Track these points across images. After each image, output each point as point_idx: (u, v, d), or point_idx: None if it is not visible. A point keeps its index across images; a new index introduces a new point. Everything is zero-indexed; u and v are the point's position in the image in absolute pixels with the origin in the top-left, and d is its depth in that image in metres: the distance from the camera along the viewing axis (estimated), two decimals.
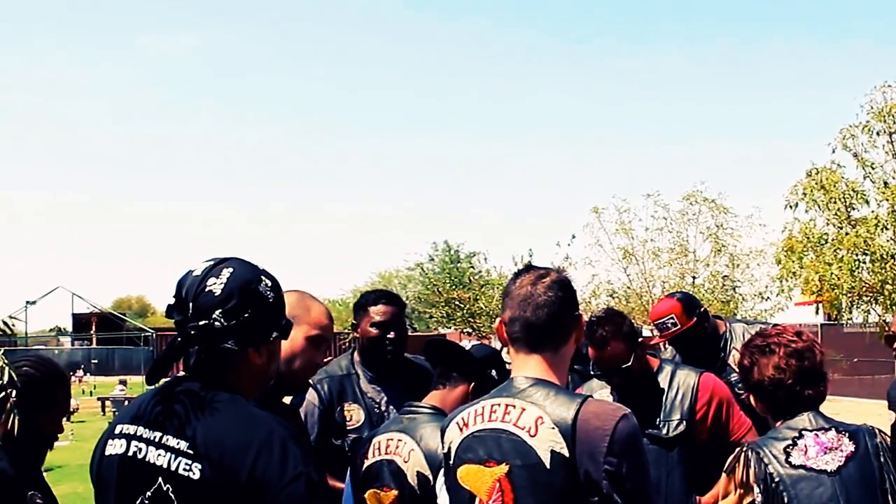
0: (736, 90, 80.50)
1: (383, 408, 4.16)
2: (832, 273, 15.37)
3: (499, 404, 2.61)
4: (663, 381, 4.24)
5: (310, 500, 2.07)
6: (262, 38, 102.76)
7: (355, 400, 4.16)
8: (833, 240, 15.95)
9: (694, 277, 24.80)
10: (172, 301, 2.26)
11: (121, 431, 2.22)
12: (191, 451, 2.07)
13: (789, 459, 2.94)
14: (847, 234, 15.63)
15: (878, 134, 16.28)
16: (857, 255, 15.36)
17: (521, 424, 2.53)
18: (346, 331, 41.18)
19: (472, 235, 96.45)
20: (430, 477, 2.96)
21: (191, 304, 2.22)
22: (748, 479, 2.99)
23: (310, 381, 3.99)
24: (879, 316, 16.90)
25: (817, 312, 20.61)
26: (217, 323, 2.19)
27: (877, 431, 3.05)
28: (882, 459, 2.94)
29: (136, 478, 2.14)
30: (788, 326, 3.31)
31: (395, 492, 3.05)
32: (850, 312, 17.21)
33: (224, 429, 2.09)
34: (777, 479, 2.92)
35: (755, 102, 79.92)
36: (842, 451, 2.94)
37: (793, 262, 16.27)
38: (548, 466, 2.46)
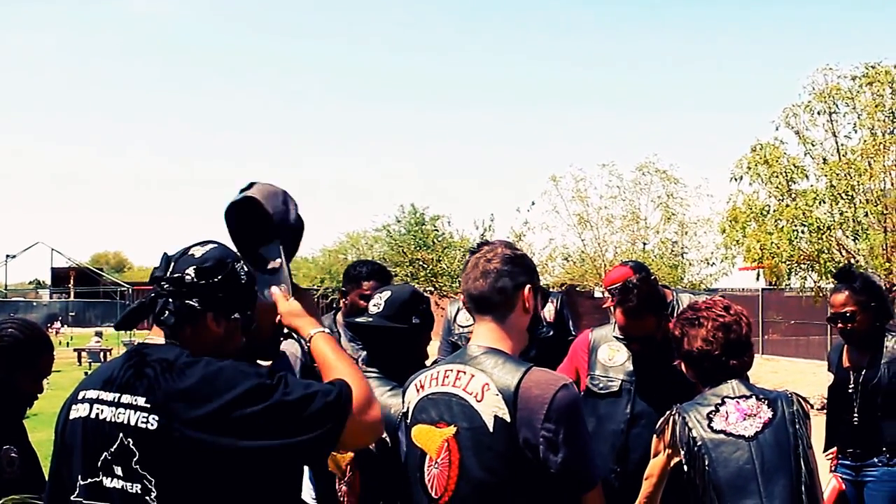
0: (688, 67, 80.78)
1: (360, 365, 4.26)
2: (773, 242, 15.58)
3: (451, 370, 2.70)
4: None
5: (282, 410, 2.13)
6: (242, 10, 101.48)
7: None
8: (774, 211, 16.14)
9: (644, 243, 25.10)
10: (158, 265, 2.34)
11: (84, 397, 2.26)
12: (147, 405, 2.12)
13: (711, 424, 3.04)
14: (787, 206, 15.82)
15: (818, 113, 16.52)
16: (796, 225, 15.55)
17: (469, 390, 2.61)
18: (315, 286, 41.24)
19: (436, 200, 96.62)
20: (388, 439, 3.01)
21: (172, 264, 2.30)
22: (675, 441, 3.10)
23: (293, 334, 4.05)
24: (815, 282, 17.15)
25: (758, 278, 20.83)
26: (188, 277, 2.26)
27: (795, 399, 3.13)
28: (797, 426, 3.04)
29: (99, 437, 2.18)
30: (719, 300, 3.38)
31: (350, 454, 3.07)
32: (789, 278, 17.48)
33: (183, 381, 2.13)
34: (699, 443, 3.02)
35: (706, 79, 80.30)
36: (760, 417, 3.03)
37: (736, 231, 16.47)
38: (491, 430, 2.54)
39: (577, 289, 25.44)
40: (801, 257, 16.02)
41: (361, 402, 2.23)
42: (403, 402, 2.84)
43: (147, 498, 2.13)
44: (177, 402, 2.11)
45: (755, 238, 15.98)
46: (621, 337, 4.32)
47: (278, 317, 2.68)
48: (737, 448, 2.99)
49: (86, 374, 2.40)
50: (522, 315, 2.74)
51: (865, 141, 16.15)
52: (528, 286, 2.74)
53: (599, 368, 4.34)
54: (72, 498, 2.23)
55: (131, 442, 2.13)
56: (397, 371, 3.13)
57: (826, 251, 15.62)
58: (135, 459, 2.13)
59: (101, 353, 24.96)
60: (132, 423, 2.13)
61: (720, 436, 3.02)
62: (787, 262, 16.19)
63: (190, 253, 2.32)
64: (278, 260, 2.73)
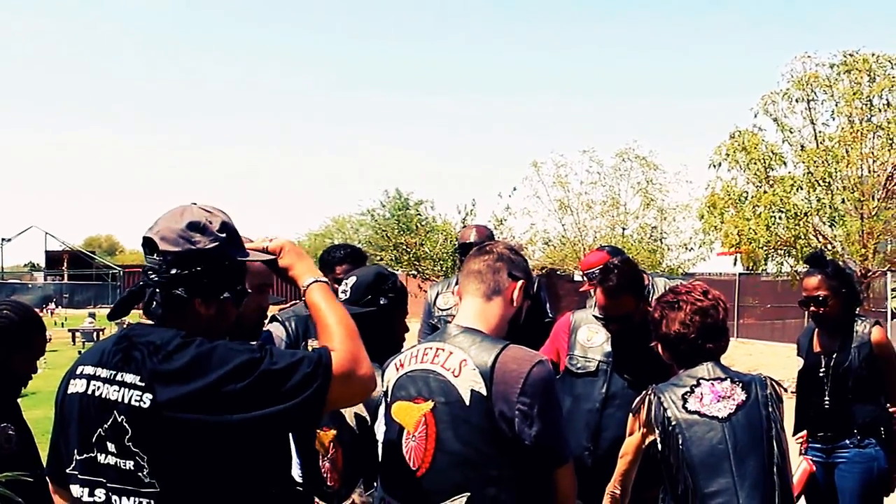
0: (669, 54, 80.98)
1: None
2: (750, 228, 15.72)
3: (431, 348, 2.75)
4: None
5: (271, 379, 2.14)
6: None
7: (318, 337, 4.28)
8: (752, 197, 16.28)
9: (624, 228, 25.38)
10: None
11: (82, 372, 2.27)
12: (141, 384, 2.12)
13: (686, 405, 3.08)
14: (765, 192, 15.95)
15: (796, 101, 16.66)
16: (773, 212, 15.68)
17: (447, 366, 2.67)
18: None
19: (421, 185, 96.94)
20: (368, 417, 3.04)
21: (155, 251, 2.27)
22: (650, 421, 3.14)
23: (277, 317, 4.05)
24: (791, 267, 17.30)
25: (735, 263, 20.99)
26: (173, 270, 2.24)
27: (768, 383, 3.17)
28: (770, 409, 3.08)
29: (94, 413, 2.19)
30: (698, 284, 3.42)
31: (333, 431, 3.09)
32: (766, 263, 17.62)
33: (175, 362, 2.14)
34: (674, 423, 3.06)
35: (687, 66, 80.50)
36: (734, 399, 3.07)
37: (714, 216, 16.64)
38: (467, 403, 2.59)
39: (558, 272, 25.57)
40: (778, 243, 16.16)
41: (350, 363, 2.24)
42: (383, 381, 2.86)
43: (139, 475, 2.14)
44: (169, 381, 2.12)
45: (733, 224, 16.14)
46: (600, 317, 4.34)
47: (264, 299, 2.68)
48: (710, 429, 3.03)
49: (80, 353, 2.41)
50: (507, 306, 2.80)
51: (843, 128, 16.31)
52: (521, 282, 2.81)
53: (578, 349, 4.37)
54: (67, 471, 2.26)
55: (124, 419, 2.14)
56: (375, 352, 3.14)
57: (803, 237, 15.77)
58: (127, 437, 2.14)
59: (95, 333, 25.36)
60: (125, 400, 2.14)
61: (694, 416, 3.06)
62: (765, 248, 16.33)
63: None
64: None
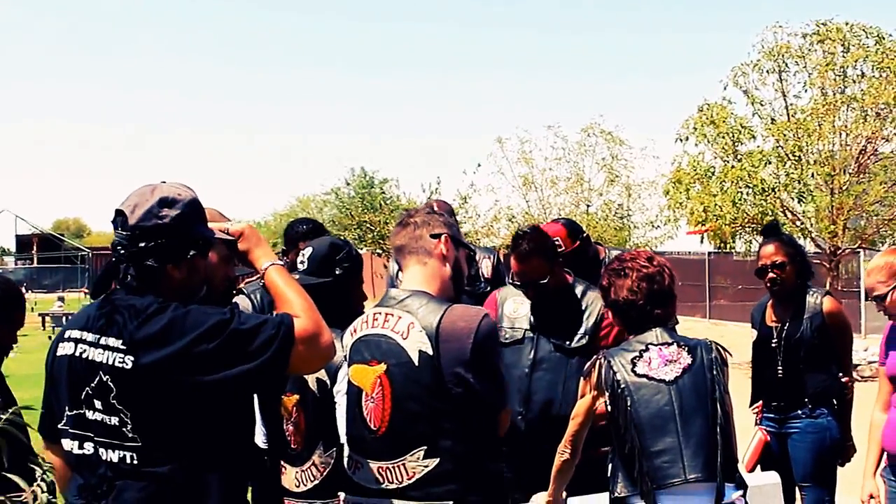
0: (636, 28, 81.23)
1: None
2: (716, 204, 15.77)
3: (380, 313, 3.07)
4: (574, 298, 4.49)
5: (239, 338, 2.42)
6: None
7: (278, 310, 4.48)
8: (719, 173, 16.32)
9: (588, 205, 25.66)
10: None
11: (69, 336, 2.56)
12: (123, 347, 2.41)
13: (635, 369, 3.31)
14: (732, 167, 16.01)
15: (768, 72, 16.70)
16: (740, 187, 15.71)
17: (396, 329, 2.99)
18: None
19: (386, 163, 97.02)
20: (328, 382, 3.29)
21: (121, 228, 2.54)
22: (600, 384, 3.37)
23: (243, 290, 4.27)
24: (759, 244, 17.36)
25: (702, 241, 21.21)
26: (141, 244, 2.50)
27: (714, 347, 3.41)
28: (714, 372, 3.32)
29: (81, 373, 2.48)
30: (643, 251, 3.67)
31: (296, 396, 3.35)
32: (734, 241, 17.78)
33: (153, 326, 2.41)
34: (623, 385, 3.29)
35: (654, 40, 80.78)
36: (680, 363, 3.31)
37: (680, 193, 16.62)
38: (416, 364, 2.92)
39: None
40: (746, 220, 16.23)
41: (311, 329, 2.51)
42: (343, 347, 3.14)
43: (123, 429, 2.43)
44: (148, 344, 2.40)
45: (699, 200, 16.16)
46: (517, 283, 4.56)
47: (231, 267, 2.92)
48: (657, 391, 3.27)
49: (50, 338, 2.70)
50: (442, 263, 3.13)
51: (815, 100, 16.31)
52: (443, 236, 3.12)
53: (506, 321, 4.58)
54: (59, 426, 2.55)
55: (109, 379, 2.43)
56: (335, 320, 3.36)
57: (770, 213, 15.78)
58: (112, 395, 2.43)
59: (64, 318, 25.42)
60: (110, 362, 2.43)
61: (642, 379, 3.29)
62: (731, 225, 16.40)
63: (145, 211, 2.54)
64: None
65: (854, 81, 16.33)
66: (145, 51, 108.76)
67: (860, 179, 16.43)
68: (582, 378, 3.52)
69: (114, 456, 2.45)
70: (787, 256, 4.97)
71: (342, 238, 3.81)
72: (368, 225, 30.57)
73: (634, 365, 3.33)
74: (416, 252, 3.13)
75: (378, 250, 29.80)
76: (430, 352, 2.91)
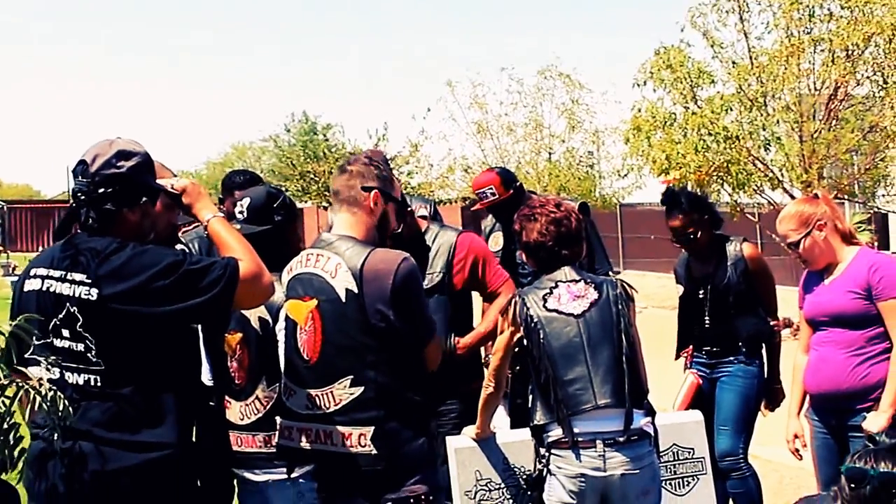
0: None
1: None
2: (679, 152, 16.14)
3: (313, 254, 3.67)
4: (429, 240, 5.01)
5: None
6: None
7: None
8: (681, 119, 16.58)
9: (550, 153, 25.57)
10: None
11: (35, 273, 3.19)
12: (89, 281, 3.03)
13: (546, 304, 3.95)
14: (693, 113, 16.30)
15: (727, 12, 16.80)
16: (702, 135, 15.99)
17: (326, 269, 3.60)
18: None
19: (329, 109, 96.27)
20: (270, 320, 3.84)
21: (80, 176, 3.16)
22: (516, 319, 4.01)
23: (181, 239, 4.83)
24: (729, 195, 17.81)
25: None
26: (100, 189, 3.10)
27: (618, 283, 4.06)
28: (619, 306, 3.96)
29: (50, 306, 3.10)
30: (552, 198, 4.31)
31: (239, 334, 3.89)
32: (700, 191, 18.14)
33: (114, 262, 3.04)
34: (535, 320, 3.93)
35: None
36: (587, 298, 3.96)
37: (641, 140, 16.94)
38: (343, 300, 3.53)
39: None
40: (711, 168, 16.56)
41: (253, 270, 3.14)
42: (283, 285, 3.74)
43: (88, 355, 3.06)
44: (110, 278, 3.03)
45: (660, 148, 16.47)
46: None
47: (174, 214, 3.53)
48: (567, 324, 3.92)
49: (26, 267, 3.32)
50: (368, 214, 3.70)
51: (780, 42, 16.42)
52: (374, 192, 3.68)
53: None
54: (27, 355, 3.08)
55: (76, 310, 3.05)
56: (274, 264, 3.89)
57: (736, 162, 16.24)
58: (79, 324, 3.05)
59: None
60: (76, 295, 3.05)
61: (553, 314, 3.94)
62: (696, 174, 16.60)
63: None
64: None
65: (821, 21, 16.27)
66: (65, 4, 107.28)
67: (831, 126, 16.58)
68: (500, 315, 4.18)
69: (79, 379, 3.07)
70: (694, 224, 5.55)
71: (278, 187, 4.34)
72: (312, 175, 30.27)
73: (545, 301, 3.96)
74: (347, 201, 3.70)
75: (324, 203, 28.96)
76: (356, 290, 3.51)
